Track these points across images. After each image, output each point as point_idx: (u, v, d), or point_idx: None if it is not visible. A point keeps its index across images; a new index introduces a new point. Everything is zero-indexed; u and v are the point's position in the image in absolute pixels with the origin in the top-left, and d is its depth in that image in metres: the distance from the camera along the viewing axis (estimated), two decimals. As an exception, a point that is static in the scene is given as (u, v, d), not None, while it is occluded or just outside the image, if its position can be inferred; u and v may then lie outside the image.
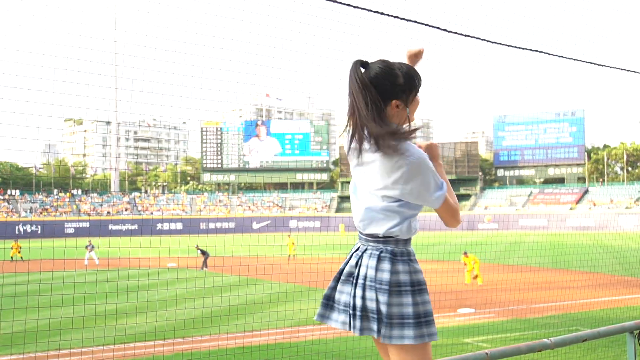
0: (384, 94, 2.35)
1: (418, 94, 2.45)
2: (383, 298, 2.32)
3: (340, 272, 2.46)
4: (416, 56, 2.77)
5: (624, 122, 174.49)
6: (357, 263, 2.42)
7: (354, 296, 2.37)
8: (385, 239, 2.39)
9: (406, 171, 2.27)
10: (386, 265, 2.35)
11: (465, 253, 19.23)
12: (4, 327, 10.98)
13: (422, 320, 2.31)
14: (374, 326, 2.32)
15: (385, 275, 2.34)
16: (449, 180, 2.46)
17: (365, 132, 2.34)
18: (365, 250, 2.41)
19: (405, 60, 2.72)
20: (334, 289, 2.47)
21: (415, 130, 2.36)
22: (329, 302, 2.47)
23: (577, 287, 16.59)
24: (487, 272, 20.10)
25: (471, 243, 33.10)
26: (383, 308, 2.32)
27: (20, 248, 28.59)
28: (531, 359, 7.74)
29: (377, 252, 2.38)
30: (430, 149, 2.46)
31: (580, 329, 11.06)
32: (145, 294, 14.88)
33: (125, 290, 14.95)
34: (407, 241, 2.42)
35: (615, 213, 54.58)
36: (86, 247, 26.22)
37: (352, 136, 2.41)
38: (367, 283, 2.35)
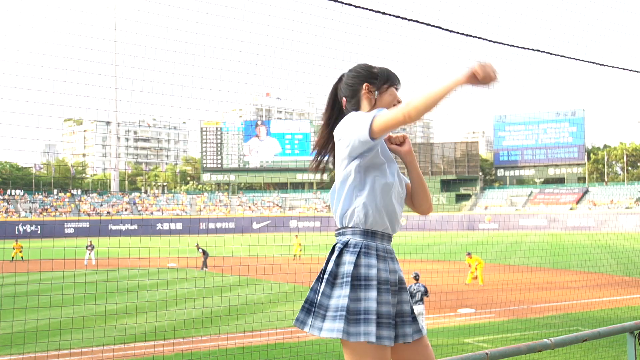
0: (357, 79, 2.46)
1: (393, 90, 2.47)
2: (321, 287, 2.26)
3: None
4: (402, 144, 2.54)
5: (624, 122, 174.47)
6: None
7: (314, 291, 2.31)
8: (343, 229, 2.33)
9: (341, 128, 2.33)
10: (334, 256, 2.29)
11: (469, 254, 19.09)
12: (4, 327, 10.98)
13: (361, 317, 2.17)
14: (300, 315, 2.27)
15: (329, 266, 2.27)
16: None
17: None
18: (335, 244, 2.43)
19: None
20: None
21: None
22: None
23: (577, 287, 16.59)
24: (487, 272, 20.10)
25: (471, 243, 33.10)
26: (318, 297, 2.24)
27: (22, 248, 28.58)
28: (531, 359, 7.74)
29: (334, 245, 2.34)
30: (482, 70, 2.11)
31: (581, 329, 11.06)
32: (145, 294, 14.88)
33: (125, 290, 14.97)
34: (366, 233, 2.29)
35: (615, 213, 54.58)
36: (87, 247, 26.25)
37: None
38: (319, 275, 2.32)
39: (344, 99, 2.47)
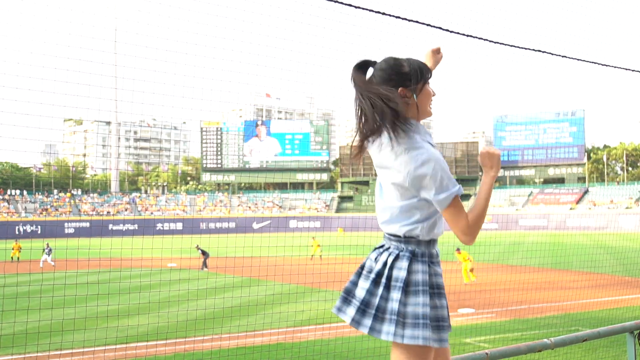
0: (390, 84, 2.32)
1: (429, 86, 2.39)
2: (396, 295, 2.28)
3: (362, 267, 2.42)
4: (436, 54, 2.72)
5: (624, 122, 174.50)
6: (375, 259, 2.39)
7: (375, 295, 2.33)
8: (407, 239, 2.35)
9: (415, 167, 2.24)
10: (404, 264, 2.31)
11: (458, 250, 19.18)
12: (5, 327, 10.99)
13: (439, 324, 2.30)
14: (382, 327, 2.29)
15: (401, 274, 2.30)
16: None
17: (377, 121, 2.28)
18: (388, 248, 2.38)
19: (425, 59, 2.68)
20: (354, 283, 2.42)
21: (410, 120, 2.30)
22: (347, 297, 2.41)
23: (578, 287, 16.59)
24: (487, 272, 20.10)
25: (471, 243, 33.00)
26: (395, 305, 2.27)
27: (21, 248, 28.50)
28: (531, 359, 7.74)
29: (397, 252, 2.35)
30: (485, 157, 2.39)
31: (581, 329, 11.06)
32: (146, 294, 14.88)
33: (125, 290, 14.97)
34: (429, 242, 2.37)
35: (615, 213, 54.58)
36: (44, 250, 25.62)
37: (366, 136, 2.33)
38: (382, 281, 2.32)
39: None
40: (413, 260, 2.33)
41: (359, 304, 2.33)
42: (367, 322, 2.31)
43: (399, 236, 2.36)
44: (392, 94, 2.28)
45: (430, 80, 2.42)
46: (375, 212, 2.53)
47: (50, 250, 25.43)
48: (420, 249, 2.35)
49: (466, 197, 70.08)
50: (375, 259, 2.39)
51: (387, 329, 2.27)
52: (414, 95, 2.33)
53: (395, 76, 2.32)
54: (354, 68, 2.38)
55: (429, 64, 2.67)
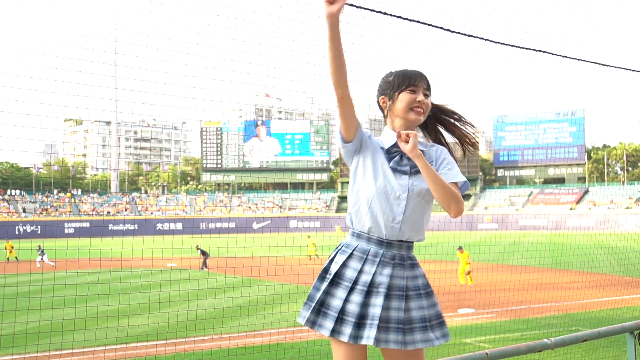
0: (378, 92, 2.53)
1: (406, 95, 2.42)
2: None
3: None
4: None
5: (624, 122, 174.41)
6: None
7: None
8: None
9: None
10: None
11: (460, 248, 18.73)
12: (5, 327, 10.99)
13: (321, 309, 2.33)
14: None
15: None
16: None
17: None
18: None
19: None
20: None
21: None
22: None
23: (578, 287, 16.60)
24: (487, 272, 20.10)
25: (471, 243, 33.09)
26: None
27: (13, 247, 28.11)
28: (531, 359, 7.74)
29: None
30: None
31: (581, 329, 11.06)
32: (146, 294, 14.89)
33: (125, 290, 14.97)
34: (353, 234, 2.42)
35: (615, 213, 54.59)
36: (38, 251, 25.50)
37: None
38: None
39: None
40: (338, 251, 2.43)
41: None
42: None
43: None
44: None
45: (420, 87, 2.44)
46: None
47: (42, 251, 25.26)
48: (349, 240, 2.43)
49: (466, 197, 70.03)
50: None
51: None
52: (389, 103, 2.46)
53: (382, 85, 2.52)
54: None
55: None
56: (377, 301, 2.28)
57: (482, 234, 46.92)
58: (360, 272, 2.32)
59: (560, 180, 72.92)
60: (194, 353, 9.67)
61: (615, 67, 6.21)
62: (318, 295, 2.33)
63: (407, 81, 2.43)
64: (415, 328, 2.32)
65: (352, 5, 4.51)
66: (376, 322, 2.25)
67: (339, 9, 2.10)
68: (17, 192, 63.70)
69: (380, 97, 2.49)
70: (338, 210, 70.15)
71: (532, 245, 31.98)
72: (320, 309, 2.30)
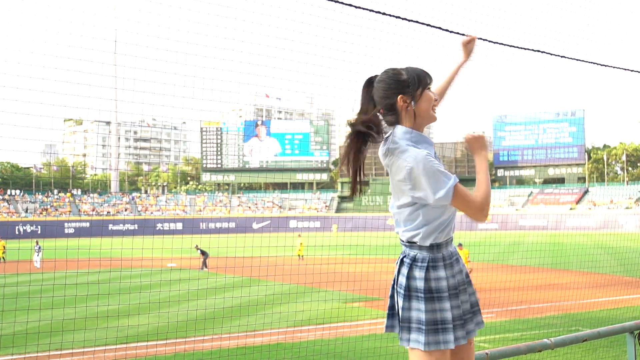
0: (390, 91, 2.41)
1: (429, 92, 2.45)
2: (401, 302, 2.41)
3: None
4: (470, 43, 2.92)
5: (624, 122, 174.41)
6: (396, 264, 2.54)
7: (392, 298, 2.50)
8: (410, 244, 2.43)
9: (407, 173, 2.31)
10: (405, 270, 2.42)
11: (460, 245, 18.42)
12: (5, 327, 10.99)
13: (439, 327, 2.35)
14: (401, 334, 2.42)
15: (403, 280, 2.41)
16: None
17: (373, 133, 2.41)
18: (402, 253, 2.53)
19: (461, 50, 2.93)
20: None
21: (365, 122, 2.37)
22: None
23: (578, 287, 16.60)
24: (487, 272, 20.08)
25: (471, 243, 33.08)
26: (401, 312, 2.40)
27: (5, 248, 27.96)
28: (531, 359, 7.74)
29: (402, 257, 2.46)
30: (472, 141, 2.50)
31: (581, 329, 11.06)
32: (146, 294, 14.89)
33: (125, 290, 14.96)
34: (432, 247, 2.39)
35: (615, 213, 54.58)
36: (35, 249, 25.43)
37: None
38: (396, 288, 2.46)
39: (382, 109, 2.45)
40: (413, 267, 2.40)
41: (387, 310, 2.53)
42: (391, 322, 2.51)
43: (404, 241, 2.46)
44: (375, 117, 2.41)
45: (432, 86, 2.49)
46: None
47: (40, 247, 25.17)
48: (421, 254, 2.40)
49: (466, 197, 69.97)
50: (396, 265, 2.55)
51: (400, 335, 2.43)
52: (413, 102, 2.40)
53: (394, 84, 2.41)
54: (363, 87, 2.50)
55: (463, 56, 2.92)
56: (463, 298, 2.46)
57: (482, 234, 46.92)
58: (455, 275, 2.45)
59: (560, 180, 72.92)
60: (194, 353, 9.67)
61: (613, 67, 6.21)
62: (448, 315, 2.36)
63: (426, 79, 2.44)
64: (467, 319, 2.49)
65: (351, 5, 4.51)
66: (469, 316, 2.46)
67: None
68: (17, 192, 63.71)
69: (400, 97, 2.40)
70: (338, 210, 70.14)
71: (532, 245, 31.99)
72: (455, 324, 2.39)
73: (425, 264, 2.38)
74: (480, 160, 2.44)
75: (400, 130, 2.41)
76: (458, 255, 2.47)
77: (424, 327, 2.32)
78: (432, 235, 2.38)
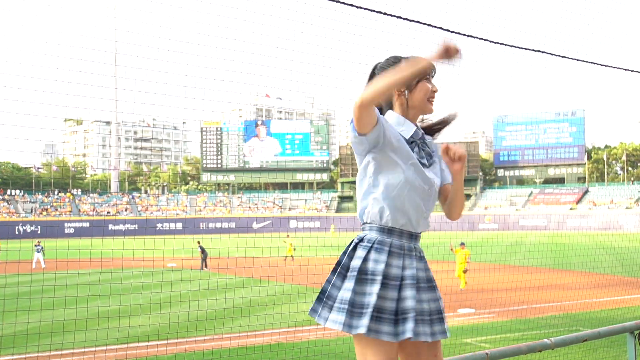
0: None
1: (428, 83, 2.39)
2: (331, 277, 2.38)
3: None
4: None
5: (624, 122, 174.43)
6: None
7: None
8: (363, 225, 2.40)
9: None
10: (347, 249, 2.38)
11: (462, 244, 18.11)
12: (5, 327, 10.99)
13: (361, 310, 2.21)
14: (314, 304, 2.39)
15: (341, 257, 2.38)
16: None
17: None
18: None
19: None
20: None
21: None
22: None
23: (578, 287, 16.60)
24: (488, 272, 20.08)
25: (471, 243, 33.10)
26: (327, 286, 2.38)
27: None
28: (531, 359, 7.75)
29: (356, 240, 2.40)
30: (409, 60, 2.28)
31: (581, 329, 11.06)
32: (146, 294, 14.89)
33: (125, 290, 14.98)
34: (384, 230, 2.31)
35: (615, 213, 54.58)
36: (35, 248, 25.29)
37: None
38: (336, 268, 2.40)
39: None
40: (357, 246, 2.33)
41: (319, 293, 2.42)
42: (317, 307, 2.39)
43: (361, 224, 2.42)
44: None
45: (434, 76, 2.44)
46: None
47: (41, 248, 25.09)
48: (370, 235, 2.33)
49: (466, 197, 69.83)
50: None
51: (316, 308, 2.36)
52: (406, 91, 2.37)
53: (387, 70, 2.36)
54: (370, 73, 2.48)
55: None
56: (423, 296, 2.30)
57: (483, 234, 46.92)
58: (404, 267, 2.29)
59: (560, 180, 72.94)
60: (194, 353, 9.67)
61: (614, 67, 6.22)
62: (371, 300, 2.21)
63: (426, 69, 2.34)
64: (435, 320, 2.35)
65: (352, 5, 4.51)
66: (427, 317, 2.29)
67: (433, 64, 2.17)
68: (18, 192, 63.72)
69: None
70: (338, 210, 70.16)
71: (533, 245, 32.00)
72: (379, 315, 2.21)
73: (370, 245, 2.33)
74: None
75: (389, 115, 2.40)
76: (420, 255, 2.39)
77: (347, 307, 2.23)
78: (383, 214, 2.33)
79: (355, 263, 2.28)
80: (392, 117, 2.39)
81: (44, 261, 24.86)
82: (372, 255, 2.27)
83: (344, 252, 2.36)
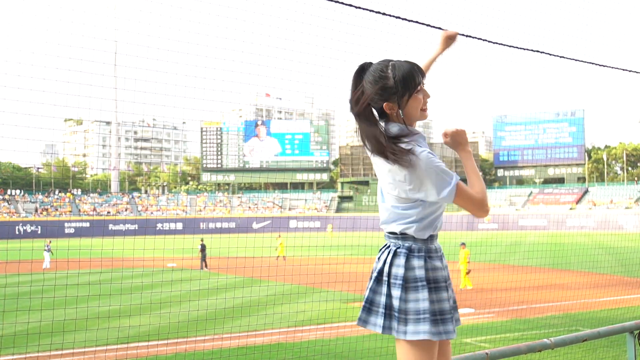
0: (376, 96, 2.36)
1: (420, 92, 2.38)
2: (396, 293, 2.35)
3: (373, 271, 2.50)
4: (450, 39, 2.92)
5: (623, 122, 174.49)
6: (378, 258, 2.47)
7: (378, 293, 2.42)
8: (403, 235, 2.41)
9: (408, 174, 2.29)
10: (401, 261, 2.37)
11: (463, 244, 18.20)
12: (6, 327, 11.00)
13: (438, 317, 2.34)
14: (381, 321, 2.36)
15: (399, 271, 2.36)
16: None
17: (360, 134, 2.41)
18: (388, 246, 2.45)
19: (439, 41, 2.93)
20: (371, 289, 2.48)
21: (401, 135, 2.34)
22: (370, 306, 2.46)
23: (578, 287, 16.61)
24: (487, 272, 20.09)
25: (471, 243, 33.10)
26: (396, 303, 2.34)
27: None
28: (531, 359, 7.75)
29: (394, 248, 2.41)
30: (455, 136, 2.45)
31: (581, 329, 11.06)
32: (146, 294, 14.89)
33: (125, 290, 14.98)
34: (426, 239, 2.42)
35: (615, 213, 54.58)
36: (46, 248, 25.30)
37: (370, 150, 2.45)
38: (383, 278, 2.39)
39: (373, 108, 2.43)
40: (410, 257, 2.37)
41: (364, 302, 2.43)
42: (374, 319, 2.39)
43: (396, 233, 2.41)
44: (376, 129, 2.36)
45: (424, 83, 2.43)
46: (375, 212, 2.60)
47: (49, 248, 25.19)
48: (416, 245, 2.39)
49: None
50: (378, 258, 2.47)
51: (392, 326, 2.36)
52: (399, 110, 2.36)
53: (380, 91, 2.35)
54: (354, 75, 2.44)
55: (440, 47, 2.91)
56: (451, 293, 2.47)
57: (482, 234, 46.93)
58: (443, 268, 2.45)
59: (560, 180, 72.94)
60: (195, 353, 9.67)
61: (612, 67, 6.22)
62: (446, 305, 2.38)
63: (415, 81, 2.35)
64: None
65: (351, 5, 4.51)
66: (449, 315, 2.42)
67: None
68: (18, 192, 63.73)
69: (385, 104, 2.37)
70: (338, 210, 70.15)
71: (532, 245, 32.00)
72: (438, 318, 2.35)
73: (423, 254, 2.38)
74: (466, 157, 2.43)
75: (392, 128, 2.39)
76: (442, 251, 2.51)
77: (428, 317, 2.30)
78: (428, 229, 2.39)
79: (419, 274, 2.36)
80: (399, 131, 2.39)
81: (49, 262, 24.89)
82: (430, 264, 2.40)
83: (385, 261, 2.42)
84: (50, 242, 26.01)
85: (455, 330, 2.39)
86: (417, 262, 2.36)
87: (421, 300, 2.32)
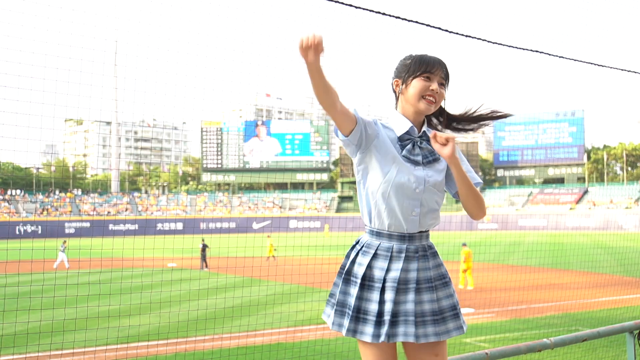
0: (394, 73, 2.42)
1: (419, 81, 2.29)
2: (337, 281, 2.39)
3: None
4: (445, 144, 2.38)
5: (623, 122, 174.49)
6: None
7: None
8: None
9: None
10: (348, 251, 2.41)
11: (464, 245, 18.11)
12: (6, 327, 11.00)
13: (361, 315, 2.26)
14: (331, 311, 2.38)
15: (345, 261, 2.40)
16: None
17: None
18: None
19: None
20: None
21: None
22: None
23: (577, 287, 16.62)
24: (487, 272, 20.11)
25: (471, 243, 33.10)
26: (335, 291, 2.37)
27: None
28: (531, 359, 7.76)
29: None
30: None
31: (580, 329, 11.07)
32: (146, 294, 14.90)
33: (125, 290, 14.98)
34: (371, 231, 2.34)
35: (614, 213, 54.59)
36: (62, 247, 25.22)
37: None
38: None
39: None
40: (352, 248, 2.37)
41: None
42: (328, 310, 2.40)
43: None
44: None
45: (436, 76, 2.32)
46: None
47: (65, 248, 25.10)
48: (364, 238, 2.37)
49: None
50: None
51: (326, 311, 2.39)
52: (402, 87, 2.36)
53: (397, 67, 2.41)
54: None
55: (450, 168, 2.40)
56: (409, 297, 2.24)
57: (482, 234, 46.93)
58: (388, 270, 2.25)
59: (560, 180, 72.94)
60: (195, 353, 9.68)
61: (612, 67, 6.23)
62: (351, 301, 2.26)
63: (424, 67, 2.29)
64: (447, 317, 2.31)
65: (351, 5, 4.52)
66: (412, 318, 2.22)
67: (316, 59, 2.03)
68: (18, 192, 63.72)
69: (394, 80, 2.38)
70: (338, 210, 70.15)
71: (532, 245, 32.02)
72: (358, 316, 2.24)
73: (360, 247, 2.37)
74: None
75: (391, 110, 2.41)
76: (414, 255, 2.31)
77: (349, 312, 2.29)
78: (372, 220, 2.35)
79: (344, 264, 2.34)
80: (391, 113, 2.41)
81: (63, 261, 24.86)
82: (358, 258, 2.31)
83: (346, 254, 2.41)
84: (65, 241, 26.03)
85: (384, 335, 2.19)
86: (351, 255, 2.34)
87: (339, 290, 2.33)
